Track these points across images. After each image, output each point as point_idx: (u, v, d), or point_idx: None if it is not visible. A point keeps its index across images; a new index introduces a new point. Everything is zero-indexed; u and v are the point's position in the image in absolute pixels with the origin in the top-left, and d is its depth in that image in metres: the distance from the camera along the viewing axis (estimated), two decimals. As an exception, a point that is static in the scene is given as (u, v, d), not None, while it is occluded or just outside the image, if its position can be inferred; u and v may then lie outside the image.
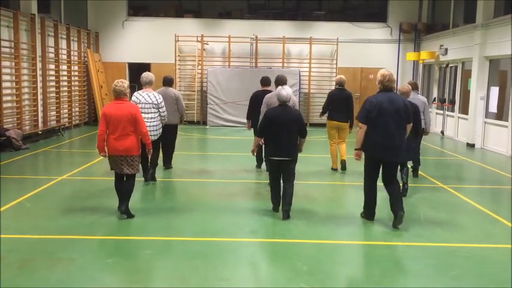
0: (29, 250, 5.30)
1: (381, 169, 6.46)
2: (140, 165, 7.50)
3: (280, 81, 8.38)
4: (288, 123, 6.55)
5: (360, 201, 6.82)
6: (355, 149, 6.41)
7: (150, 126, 7.91)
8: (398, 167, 7.07)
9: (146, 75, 8.31)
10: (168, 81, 9.38)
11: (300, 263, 5.07)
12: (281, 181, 6.82)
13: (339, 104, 9.54)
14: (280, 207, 6.76)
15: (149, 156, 7.20)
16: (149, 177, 8.54)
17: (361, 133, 6.25)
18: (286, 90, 6.67)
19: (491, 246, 5.80)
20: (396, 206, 6.23)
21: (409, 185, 8.05)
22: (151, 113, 8.03)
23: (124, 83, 6.54)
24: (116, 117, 6.34)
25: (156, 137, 8.13)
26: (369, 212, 6.60)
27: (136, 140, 6.46)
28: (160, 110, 8.14)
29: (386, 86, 6.25)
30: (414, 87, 9.05)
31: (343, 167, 9.69)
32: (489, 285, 4.69)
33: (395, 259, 5.26)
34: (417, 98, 8.81)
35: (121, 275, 4.74)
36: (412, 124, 6.52)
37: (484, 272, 5.00)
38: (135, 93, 8.21)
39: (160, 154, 9.13)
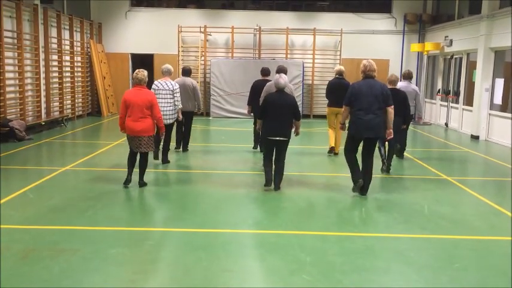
0: (32, 240, 5.30)
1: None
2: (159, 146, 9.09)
3: (281, 71, 9.00)
4: (284, 107, 7.34)
5: (359, 195, 7.00)
6: (340, 123, 7.60)
7: (166, 110, 8.93)
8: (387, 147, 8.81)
9: (166, 67, 9.31)
10: (186, 72, 10.34)
11: (303, 255, 5.06)
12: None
13: (337, 92, 9.93)
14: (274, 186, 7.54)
15: (162, 138, 8.08)
16: (164, 159, 9.33)
17: (345, 112, 7.40)
18: (283, 79, 7.48)
19: (495, 239, 5.77)
20: (367, 183, 7.29)
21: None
22: (167, 98, 8.98)
23: (145, 72, 7.40)
24: (135, 102, 7.17)
25: (171, 121, 9.13)
26: (355, 180, 7.36)
27: (151, 123, 7.32)
28: (175, 95, 9.04)
29: (368, 74, 7.22)
30: (407, 77, 10.26)
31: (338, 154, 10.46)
32: (493, 277, 4.67)
33: (399, 251, 5.24)
34: (409, 87, 9.87)
35: (124, 266, 4.74)
36: (393, 106, 7.27)
37: (488, 264, 4.97)
38: (156, 81, 9.14)
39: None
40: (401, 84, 9.74)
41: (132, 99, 7.20)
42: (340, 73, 10.42)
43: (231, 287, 4.36)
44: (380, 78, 7.47)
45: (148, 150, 7.44)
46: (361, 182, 7.25)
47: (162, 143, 9.26)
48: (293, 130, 7.71)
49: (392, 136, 7.42)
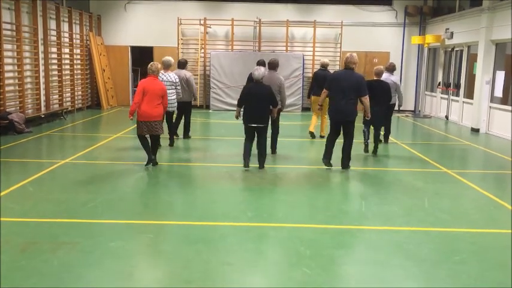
0: (31, 233, 5.30)
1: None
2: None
3: (270, 64, 9.48)
4: (259, 96, 8.12)
5: (363, 188, 7.02)
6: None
7: (169, 100, 9.53)
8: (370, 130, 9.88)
9: (168, 60, 9.98)
10: (180, 64, 10.91)
11: (303, 248, 5.05)
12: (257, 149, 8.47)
13: (320, 82, 10.70)
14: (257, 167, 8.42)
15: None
16: (172, 142, 10.42)
17: (323, 95, 8.57)
18: (258, 71, 8.21)
19: (495, 232, 5.77)
20: (344, 158, 8.44)
21: (378, 148, 10.09)
22: (171, 89, 9.74)
23: (158, 64, 8.37)
24: (153, 91, 8.05)
25: (172, 109, 10.04)
26: (326, 156, 8.45)
27: (162, 109, 8.29)
28: (177, 87, 9.92)
29: (347, 66, 8.20)
30: (389, 69, 10.97)
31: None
32: (493, 270, 4.66)
33: (399, 244, 5.23)
34: (388, 79, 10.50)
35: (123, 259, 4.73)
36: (367, 96, 8.20)
37: (487, 257, 4.97)
38: (160, 74, 9.59)
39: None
40: (383, 77, 10.26)
41: (150, 88, 8.04)
42: (323, 65, 11.64)
43: (231, 280, 4.36)
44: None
45: (160, 133, 8.35)
46: (328, 164, 8.47)
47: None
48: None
49: (369, 117, 8.63)
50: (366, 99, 8.21)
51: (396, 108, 11.46)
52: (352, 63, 8.13)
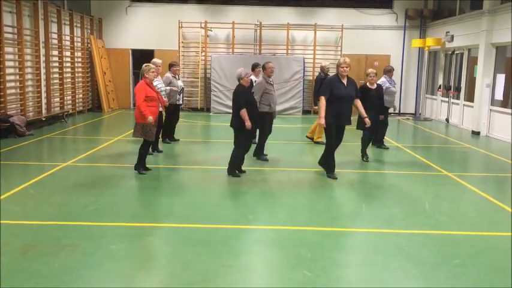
0: (32, 236, 5.31)
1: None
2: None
3: (261, 67, 9.58)
4: (232, 97, 8.12)
5: (364, 190, 7.03)
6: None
7: None
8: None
9: (152, 62, 9.64)
10: (168, 66, 10.69)
11: (304, 250, 5.06)
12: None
13: (318, 86, 10.89)
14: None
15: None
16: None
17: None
18: (236, 71, 8.11)
19: (495, 234, 5.77)
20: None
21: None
22: None
23: (149, 65, 8.24)
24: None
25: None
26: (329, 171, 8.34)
27: (137, 111, 7.88)
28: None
29: None
30: (384, 72, 10.88)
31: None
32: (493, 273, 4.66)
33: (399, 246, 5.24)
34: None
35: (124, 261, 4.75)
36: (321, 97, 7.84)
37: (488, 260, 4.97)
38: None
39: None
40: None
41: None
42: (320, 68, 11.23)
43: (231, 282, 4.36)
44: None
45: (134, 136, 8.03)
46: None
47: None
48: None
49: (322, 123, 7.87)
50: (319, 100, 7.96)
51: (393, 111, 11.48)
52: (336, 67, 8.05)
